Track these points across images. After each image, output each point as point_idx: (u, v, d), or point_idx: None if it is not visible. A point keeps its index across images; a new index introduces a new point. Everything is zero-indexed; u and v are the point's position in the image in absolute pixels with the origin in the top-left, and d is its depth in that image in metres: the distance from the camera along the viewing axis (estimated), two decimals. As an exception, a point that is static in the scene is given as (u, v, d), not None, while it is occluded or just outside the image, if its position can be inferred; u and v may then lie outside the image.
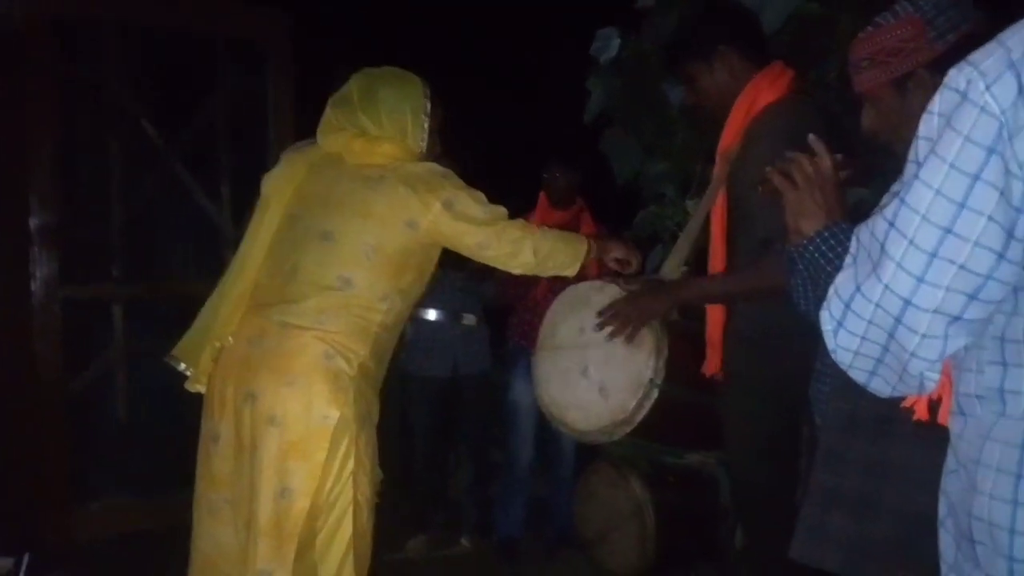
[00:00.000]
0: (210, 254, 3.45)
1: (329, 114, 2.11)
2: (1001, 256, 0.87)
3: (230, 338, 2.03)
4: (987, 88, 0.85)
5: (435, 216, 2.00)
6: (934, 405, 1.05)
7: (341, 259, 1.98)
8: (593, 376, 2.16)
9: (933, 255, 0.89)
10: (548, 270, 2.15)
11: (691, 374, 2.19)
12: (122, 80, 3.34)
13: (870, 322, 0.95)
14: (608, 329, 2.10)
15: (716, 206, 2.14)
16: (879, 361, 0.97)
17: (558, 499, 3.67)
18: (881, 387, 1.01)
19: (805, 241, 1.37)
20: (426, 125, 2.09)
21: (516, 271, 2.13)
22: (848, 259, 1.00)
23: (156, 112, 3.39)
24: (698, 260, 2.32)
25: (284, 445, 1.90)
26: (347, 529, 1.95)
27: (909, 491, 1.32)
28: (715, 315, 2.15)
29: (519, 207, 3.70)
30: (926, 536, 1.30)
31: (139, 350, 3.32)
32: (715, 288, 2.13)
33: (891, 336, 0.94)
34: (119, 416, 3.36)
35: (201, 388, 2.06)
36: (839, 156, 1.42)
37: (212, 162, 3.52)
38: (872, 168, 1.57)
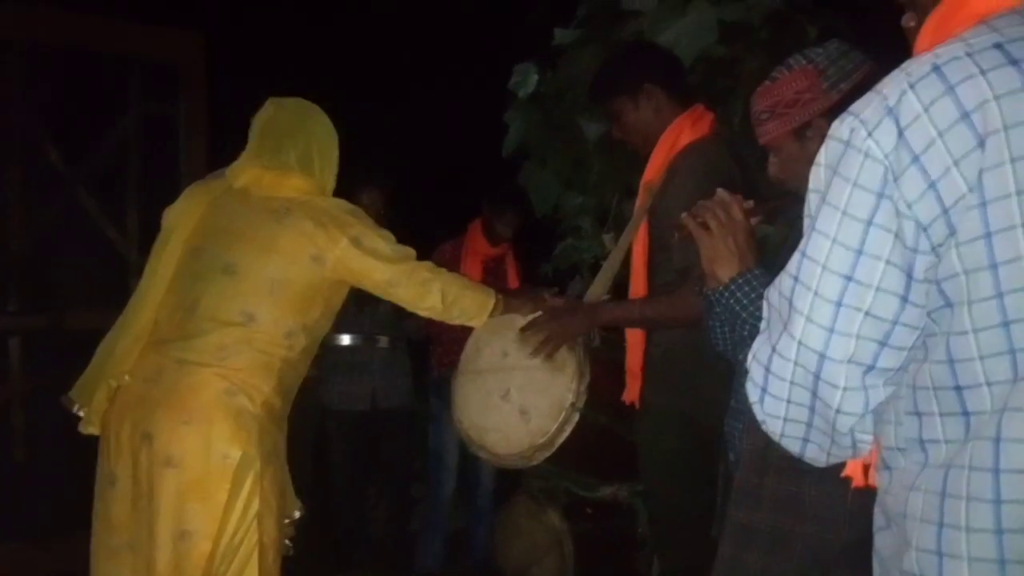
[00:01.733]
0: (115, 285, 3.32)
1: (253, 142, 2.08)
2: (904, 299, 0.87)
3: (127, 376, 1.96)
4: (869, 134, 0.87)
5: (342, 251, 1.98)
6: (867, 469, 1.04)
7: (244, 293, 1.95)
8: (514, 399, 2.17)
9: (839, 304, 0.88)
10: (454, 317, 2.15)
11: (612, 402, 2.22)
12: (25, 102, 3.21)
13: (792, 382, 0.93)
14: (529, 349, 2.12)
15: (638, 237, 2.20)
16: (809, 425, 0.95)
17: (477, 531, 3.64)
18: (817, 454, 0.97)
19: (720, 288, 1.43)
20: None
21: (423, 314, 2.13)
22: (762, 324, 0.99)
23: (61, 136, 3.26)
24: (620, 289, 2.37)
25: (182, 486, 1.85)
26: (252, 572, 1.90)
27: (820, 528, 1.36)
28: (635, 344, 2.19)
29: (438, 236, 3.72)
30: (836, 571, 1.35)
31: (38, 386, 3.16)
32: (632, 313, 2.17)
33: (815, 394, 0.92)
34: (15, 456, 3.18)
35: (95, 430, 1.99)
36: (750, 203, 1.48)
37: (119, 188, 3.40)
38: (777, 208, 1.63)
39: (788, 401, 0.94)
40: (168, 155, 3.42)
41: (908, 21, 1.02)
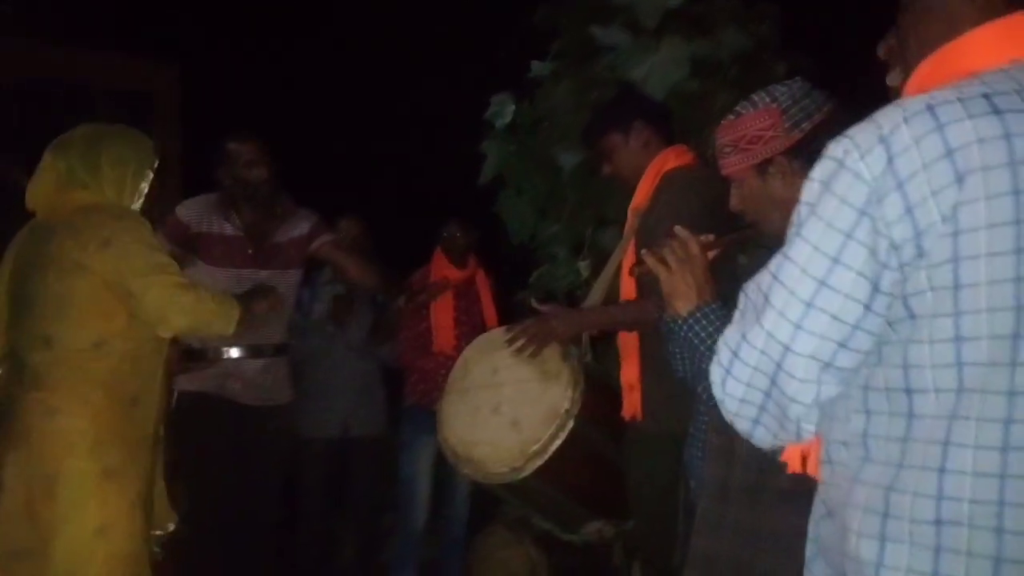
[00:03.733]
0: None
1: (43, 159, 2.12)
2: (868, 308, 0.96)
3: None
4: (861, 157, 0.95)
5: (92, 255, 2.00)
6: (804, 458, 1.11)
7: (40, 319, 2.03)
8: (506, 413, 2.20)
9: (810, 304, 0.97)
10: (202, 332, 2.15)
11: (606, 421, 2.24)
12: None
13: (755, 368, 1.01)
14: (521, 363, 2.16)
15: (626, 257, 2.27)
16: (762, 408, 1.03)
17: (450, 561, 3.61)
18: (763, 436, 1.06)
19: (680, 321, 1.46)
20: (146, 184, 2.12)
21: (168, 332, 2.09)
22: (736, 314, 1.06)
23: (33, 165, 3.24)
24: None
25: (11, 507, 1.96)
26: None
27: (780, 557, 1.38)
28: (630, 356, 2.24)
29: (416, 266, 3.73)
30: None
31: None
32: (617, 315, 2.24)
33: (773, 381, 1.00)
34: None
35: None
36: (709, 237, 1.51)
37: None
38: (738, 240, 1.66)
39: (747, 385, 1.02)
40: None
41: (894, 80, 1.11)
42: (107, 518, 1.96)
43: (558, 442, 2.11)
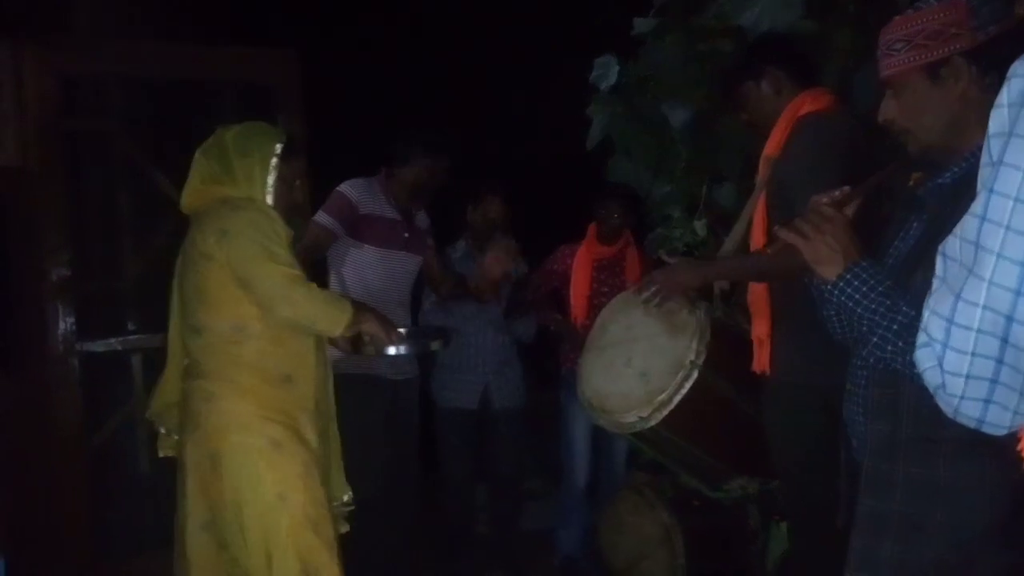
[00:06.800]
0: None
1: (192, 164, 2.26)
2: None
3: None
4: None
5: (213, 245, 2.11)
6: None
7: (189, 309, 2.16)
8: (636, 365, 2.27)
9: None
10: (307, 329, 2.17)
11: (740, 375, 2.23)
12: (131, 130, 3.37)
13: (979, 331, 0.88)
14: (653, 320, 2.20)
15: (758, 208, 2.24)
16: (994, 381, 0.89)
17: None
18: (999, 416, 0.91)
19: (829, 286, 1.39)
20: (273, 170, 2.19)
21: (272, 319, 2.13)
22: (935, 282, 0.95)
23: (166, 161, 3.40)
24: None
25: (195, 485, 2.12)
26: (292, 549, 2.07)
27: (957, 511, 1.31)
28: (761, 311, 2.21)
29: (544, 238, 3.74)
30: (978, 555, 1.29)
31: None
32: (748, 265, 2.21)
33: (1005, 341, 0.88)
34: (142, 470, 3.34)
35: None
36: (844, 189, 1.43)
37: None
38: (890, 175, 1.55)
39: (972, 354, 0.89)
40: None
41: None
42: (283, 485, 2.09)
43: (684, 391, 2.15)
